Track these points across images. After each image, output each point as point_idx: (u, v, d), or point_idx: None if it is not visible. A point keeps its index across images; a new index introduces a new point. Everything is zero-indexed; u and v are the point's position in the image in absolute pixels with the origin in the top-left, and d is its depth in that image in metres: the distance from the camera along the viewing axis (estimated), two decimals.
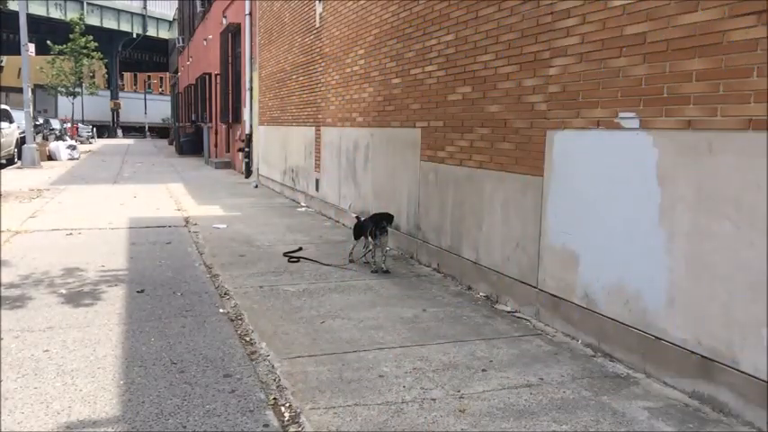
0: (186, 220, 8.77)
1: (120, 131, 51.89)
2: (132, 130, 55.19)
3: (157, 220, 8.79)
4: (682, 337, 3.31)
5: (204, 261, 6.24)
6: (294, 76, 11.27)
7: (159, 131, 54.89)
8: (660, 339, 3.44)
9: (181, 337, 4.04)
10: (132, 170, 18.14)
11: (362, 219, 6.30)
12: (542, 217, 4.43)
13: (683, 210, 3.29)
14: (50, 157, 21.14)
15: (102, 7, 46.01)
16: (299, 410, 3.04)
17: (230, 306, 4.74)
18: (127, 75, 67.39)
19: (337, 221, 8.83)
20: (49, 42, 35.53)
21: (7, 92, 39.15)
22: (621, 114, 3.70)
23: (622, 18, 3.70)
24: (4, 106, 20.13)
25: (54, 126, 29.20)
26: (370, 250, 6.00)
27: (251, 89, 15.12)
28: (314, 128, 10.12)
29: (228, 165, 18.90)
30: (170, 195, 11.86)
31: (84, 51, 37.12)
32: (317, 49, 9.79)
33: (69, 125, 35.17)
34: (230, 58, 17.96)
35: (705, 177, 3.17)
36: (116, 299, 4.87)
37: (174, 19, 43.59)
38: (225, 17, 18.10)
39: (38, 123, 24.62)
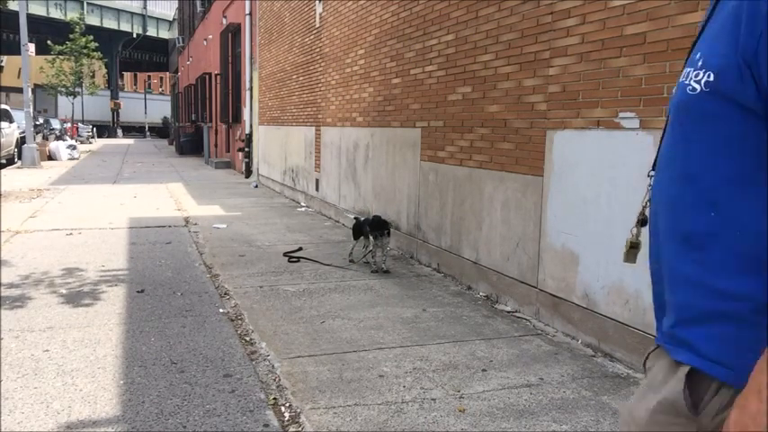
0: (186, 220, 8.77)
1: (120, 131, 51.88)
2: (132, 130, 55.20)
3: (157, 219, 8.79)
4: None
5: (204, 261, 6.24)
6: (294, 76, 11.27)
7: (159, 131, 54.90)
8: None
9: (181, 337, 4.04)
10: (132, 170, 18.15)
11: (362, 219, 6.30)
12: (542, 217, 4.44)
13: None
14: (50, 157, 21.14)
15: (102, 7, 45.98)
16: (299, 410, 3.04)
17: (230, 306, 4.74)
18: (127, 75, 67.39)
19: (337, 221, 8.83)
20: (49, 42, 35.51)
21: (7, 92, 39.16)
22: (621, 114, 3.70)
23: (622, 18, 3.70)
24: (4, 106, 20.14)
25: (54, 126, 29.18)
26: (370, 251, 6.00)
27: (251, 89, 15.12)
28: (314, 128, 10.12)
29: (228, 165, 18.91)
30: (170, 195, 11.86)
31: (85, 51, 37.11)
32: (317, 49, 9.79)
33: (69, 125, 35.15)
34: (230, 58, 17.97)
35: None
36: (116, 299, 4.87)
37: (173, 19, 43.58)
38: (225, 17, 18.11)
39: (38, 123, 24.59)
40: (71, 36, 36.68)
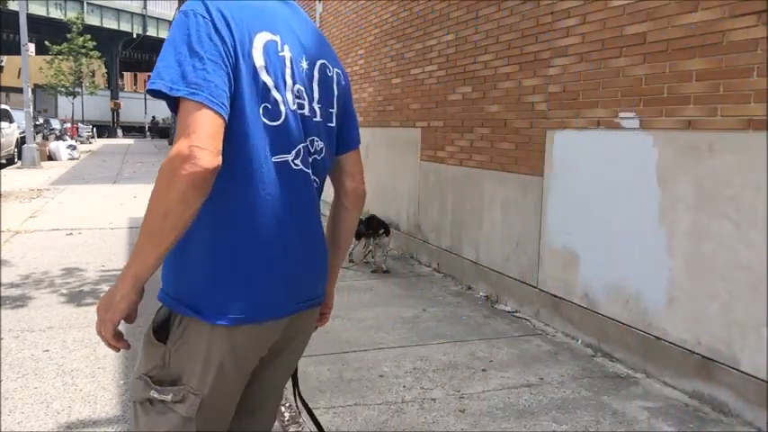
0: None
1: (120, 131, 51.85)
2: (132, 130, 55.16)
3: None
4: (682, 336, 3.31)
5: None
6: None
7: (160, 131, 54.90)
8: (660, 339, 3.44)
9: None
10: (132, 170, 18.13)
11: (363, 219, 6.30)
12: (542, 217, 4.44)
13: (683, 210, 3.29)
14: (50, 157, 21.11)
15: (101, 7, 45.93)
16: (299, 410, 3.04)
17: None
18: (127, 75, 67.35)
19: None
20: (46, 43, 35.49)
21: (7, 92, 39.13)
22: (621, 114, 3.71)
23: (622, 18, 3.70)
24: (4, 106, 20.11)
25: (54, 126, 29.15)
26: (370, 250, 6.00)
27: None
28: None
29: None
30: None
31: (83, 51, 37.07)
32: None
33: (69, 125, 35.13)
34: None
35: (705, 177, 3.18)
36: None
37: (173, 19, 43.54)
38: None
39: (38, 123, 24.57)
40: (68, 36, 36.66)
